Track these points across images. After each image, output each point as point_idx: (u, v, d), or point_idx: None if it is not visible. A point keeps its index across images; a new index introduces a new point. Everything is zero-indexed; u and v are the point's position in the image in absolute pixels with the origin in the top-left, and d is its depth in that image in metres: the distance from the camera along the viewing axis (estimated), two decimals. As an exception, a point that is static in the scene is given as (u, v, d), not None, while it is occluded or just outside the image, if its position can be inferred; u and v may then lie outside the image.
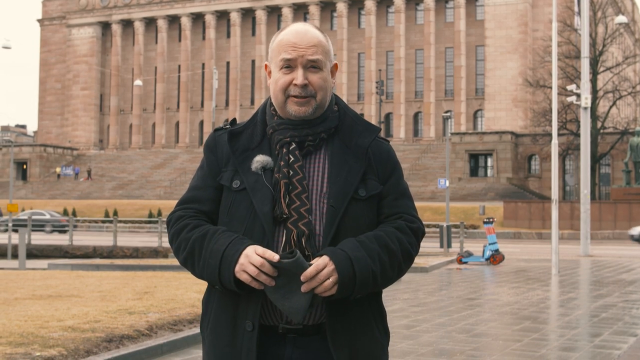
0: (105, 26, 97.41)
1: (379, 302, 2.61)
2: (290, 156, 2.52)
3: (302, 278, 2.33)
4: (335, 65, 2.63)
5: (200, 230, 2.50)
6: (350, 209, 2.50)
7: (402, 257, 2.51)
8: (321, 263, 2.35)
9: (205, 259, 2.45)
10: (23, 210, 53.85)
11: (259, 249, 2.37)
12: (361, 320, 2.52)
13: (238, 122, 2.68)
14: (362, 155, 2.56)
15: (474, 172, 68.29)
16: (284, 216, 2.46)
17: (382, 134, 2.74)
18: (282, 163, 2.51)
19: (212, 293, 2.59)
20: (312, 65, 2.52)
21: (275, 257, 2.33)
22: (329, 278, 2.35)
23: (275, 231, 2.47)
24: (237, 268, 2.37)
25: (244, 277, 2.37)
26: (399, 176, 2.64)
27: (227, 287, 2.43)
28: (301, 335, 2.49)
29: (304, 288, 2.34)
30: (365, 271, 2.40)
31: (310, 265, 2.34)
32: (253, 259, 2.34)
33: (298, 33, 2.54)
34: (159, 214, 50.62)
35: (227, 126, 2.65)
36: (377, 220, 2.57)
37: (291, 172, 2.50)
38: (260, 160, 2.53)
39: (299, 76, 2.50)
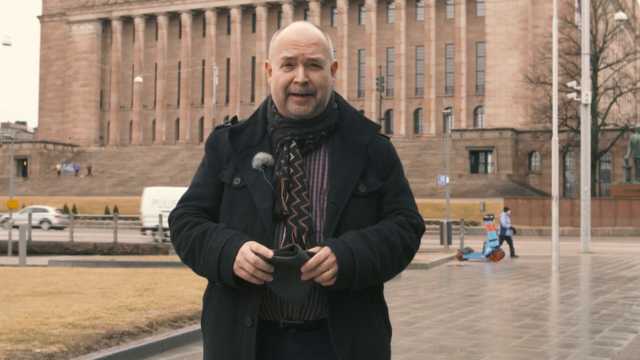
0: (106, 23, 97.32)
1: (381, 297, 2.62)
2: (291, 154, 2.54)
3: (302, 269, 2.33)
4: (335, 64, 2.65)
5: (200, 227, 2.51)
6: (350, 205, 2.51)
7: (403, 251, 2.52)
8: (322, 254, 2.35)
9: (205, 257, 2.46)
10: (24, 206, 53.85)
11: (254, 245, 2.37)
12: (363, 315, 2.52)
13: (239, 119, 2.70)
14: (362, 152, 2.57)
15: (474, 168, 68.26)
16: (284, 214, 2.47)
17: (382, 131, 2.75)
18: (282, 161, 2.52)
19: (212, 289, 2.60)
20: (313, 64, 2.53)
21: (270, 253, 2.33)
22: (328, 269, 2.36)
23: (275, 228, 2.48)
24: (234, 266, 2.38)
25: (242, 274, 2.38)
26: (399, 172, 2.65)
27: (227, 283, 2.44)
28: (302, 330, 2.50)
29: (303, 277, 2.35)
30: (366, 264, 2.41)
31: (312, 254, 2.35)
32: (248, 257, 2.35)
33: (299, 31, 2.55)
34: (160, 210, 50.50)
35: (228, 124, 2.67)
36: (378, 217, 2.58)
37: (292, 170, 2.51)
38: (260, 157, 2.54)
39: (299, 74, 2.51)
